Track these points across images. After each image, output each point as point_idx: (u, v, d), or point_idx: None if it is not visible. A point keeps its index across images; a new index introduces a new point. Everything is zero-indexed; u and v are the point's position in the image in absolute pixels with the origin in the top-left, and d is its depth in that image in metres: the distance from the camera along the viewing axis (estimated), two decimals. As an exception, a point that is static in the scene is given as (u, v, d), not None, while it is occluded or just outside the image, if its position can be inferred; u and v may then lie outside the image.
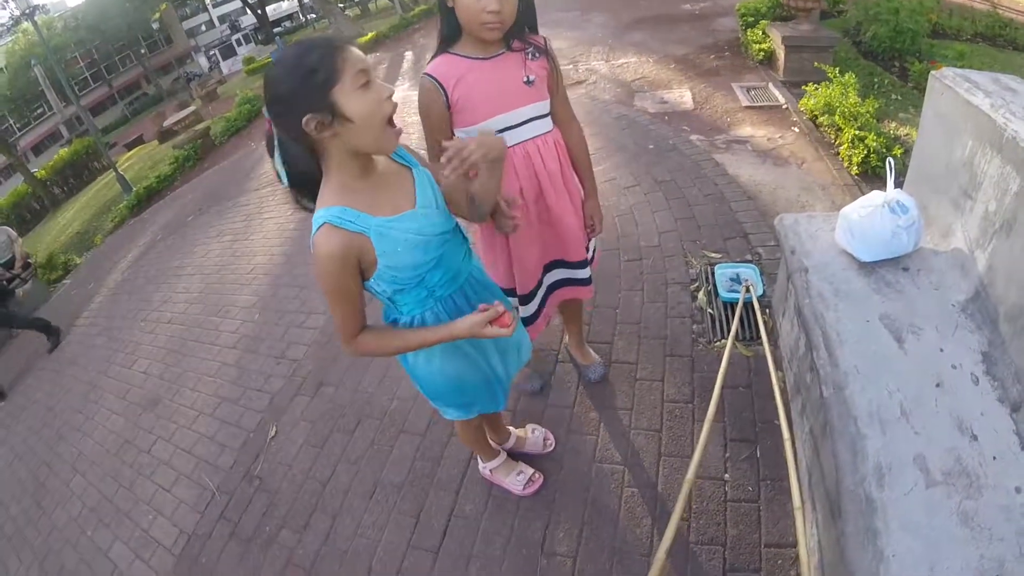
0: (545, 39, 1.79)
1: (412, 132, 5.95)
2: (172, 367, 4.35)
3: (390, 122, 1.22)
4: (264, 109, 1.21)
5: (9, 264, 8.20)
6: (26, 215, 19.57)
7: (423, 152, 1.60)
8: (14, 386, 5.98)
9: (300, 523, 2.57)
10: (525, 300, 2.08)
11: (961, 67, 4.63)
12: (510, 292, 2.07)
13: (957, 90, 1.79)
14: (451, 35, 1.71)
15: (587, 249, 2.12)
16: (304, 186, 1.28)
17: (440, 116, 1.73)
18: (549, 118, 1.87)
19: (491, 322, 1.35)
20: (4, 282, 7.85)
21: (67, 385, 5.16)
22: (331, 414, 3.09)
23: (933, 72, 1.98)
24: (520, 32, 1.71)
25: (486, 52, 1.70)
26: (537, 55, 1.75)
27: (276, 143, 1.22)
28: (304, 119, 1.13)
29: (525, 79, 1.74)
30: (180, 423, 3.69)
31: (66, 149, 23.30)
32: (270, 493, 2.80)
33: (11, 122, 36.94)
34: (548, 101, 1.84)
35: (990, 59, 6.03)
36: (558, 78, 1.86)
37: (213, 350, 4.26)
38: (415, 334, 1.43)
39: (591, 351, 2.68)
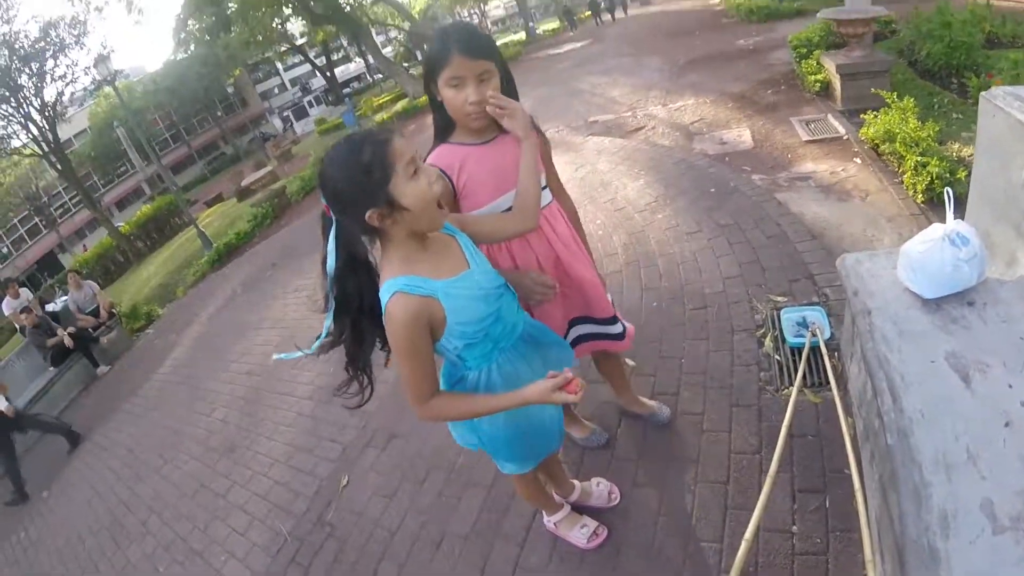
0: (531, 116, 1.85)
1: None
2: (249, 416, 4.55)
3: (439, 203, 1.34)
4: (321, 195, 1.34)
5: (95, 314, 8.80)
6: (110, 267, 20.83)
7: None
8: (96, 427, 6.33)
9: (368, 570, 2.64)
10: (611, 322, 2.13)
11: (1016, 76, 4.49)
12: None
13: (1008, 110, 1.73)
14: (446, 127, 1.80)
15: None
16: (346, 283, 1.39)
17: (448, 205, 1.73)
18: (547, 190, 1.96)
19: (560, 388, 1.40)
20: (90, 330, 8.43)
21: (148, 429, 5.46)
22: (401, 465, 3.17)
23: (983, 93, 1.92)
24: None
25: (481, 137, 1.77)
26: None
27: (334, 226, 1.34)
28: (367, 215, 1.26)
29: None
30: (255, 470, 3.84)
31: (148, 205, 24.77)
32: (340, 540, 2.88)
33: (96, 179, 39.59)
34: (545, 174, 1.91)
35: (1050, 61, 5.78)
36: (548, 150, 1.95)
37: (289, 401, 4.43)
38: (486, 400, 1.51)
39: (645, 400, 2.69)
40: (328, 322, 1.42)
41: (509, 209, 1.76)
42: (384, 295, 1.36)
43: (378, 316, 1.39)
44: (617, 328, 2.16)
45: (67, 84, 21.92)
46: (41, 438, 7.24)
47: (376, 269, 1.42)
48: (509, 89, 1.74)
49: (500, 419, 1.64)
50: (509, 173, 1.76)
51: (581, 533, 2.21)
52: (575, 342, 2.15)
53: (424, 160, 1.70)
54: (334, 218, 1.34)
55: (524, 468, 1.86)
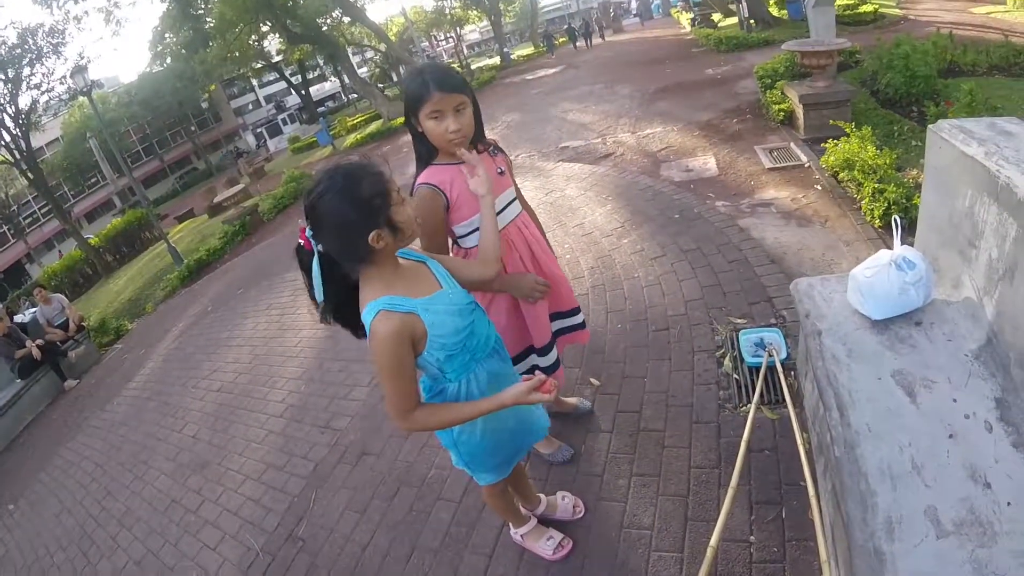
0: (494, 140, 2.18)
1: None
2: (220, 433, 4.53)
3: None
4: (306, 227, 1.44)
5: (64, 327, 8.67)
6: (79, 279, 20.35)
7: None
8: (64, 441, 6.23)
9: (340, 585, 2.66)
10: (546, 351, 2.33)
11: (970, 103, 4.71)
12: (524, 353, 2.36)
13: (953, 142, 1.82)
14: (428, 154, 2.01)
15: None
16: (336, 301, 1.52)
17: (441, 218, 2.00)
18: (516, 201, 2.24)
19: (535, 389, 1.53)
20: (59, 343, 8.30)
21: (117, 444, 5.37)
22: (372, 481, 3.21)
23: (930, 126, 2.03)
24: (480, 138, 2.04)
25: (460, 158, 1.96)
26: (496, 152, 2.16)
27: (318, 258, 1.44)
28: (371, 236, 1.39)
29: (498, 171, 2.11)
30: (227, 486, 3.83)
31: (119, 218, 24.28)
32: (311, 555, 2.91)
33: (66, 189, 38.81)
34: (514, 188, 2.23)
35: (1007, 90, 6.09)
36: (510, 167, 2.26)
37: (260, 418, 4.44)
38: (468, 406, 1.60)
39: (564, 398, 2.99)
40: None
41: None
42: (368, 315, 1.44)
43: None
44: (580, 318, 2.49)
45: (43, 92, 21.62)
46: (8, 449, 7.13)
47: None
48: (477, 119, 1.98)
49: (478, 430, 1.75)
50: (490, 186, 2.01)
51: (547, 545, 2.29)
52: (554, 336, 2.40)
53: (415, 180, 2.00)
54: (316, 250, 1.43)
55: (501, 476, 1.96)
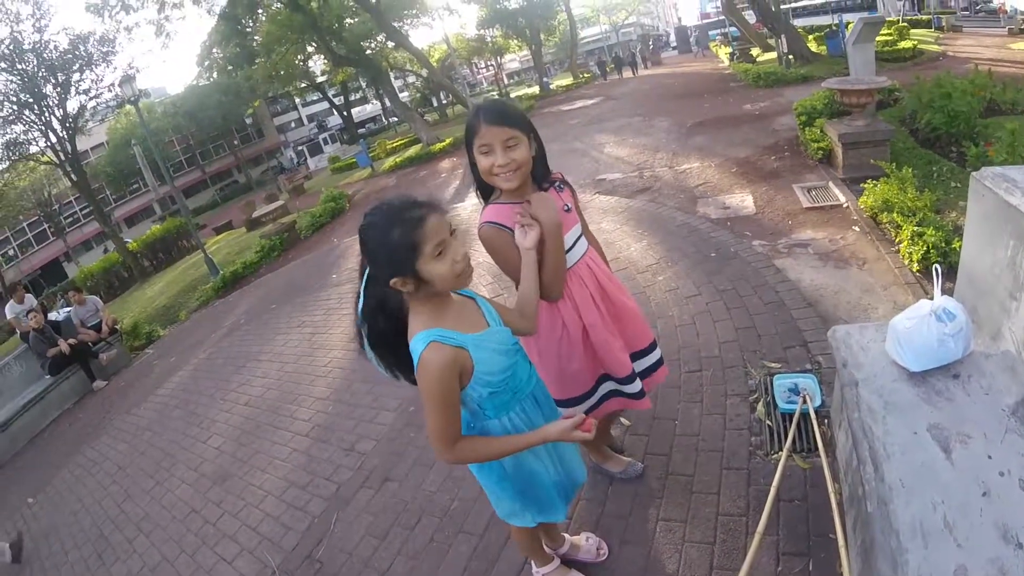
0: (560, 175, 2.10)
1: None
2: (245, 447, 4.56)
3: (462, 274, 1.49)
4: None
5: (97, 328, 8.85)
6: (114, 282, 20.81)
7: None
8: (88, 440, 6.33)
9: (356, 612, 2.64)
10: (628, 380, 2.20)
11: (1011, 144, 4.61)
12: (581, 398, 2.21)
13: (996, 191, 1.80)
14: (489, 189, 1.98)
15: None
16: (379, 328, 1.53)
17: (514, 251, 1.90)
18: (583, 238, 2.15)
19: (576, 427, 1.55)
20: (90, 344, 8.46)
21: (141, 449, 5.44)
22: (394, 508, 3.19)
23: (974, 174, 2.00)
24: (546, 173, 2.00)
25: (524, 195, 1.92)
26: (563, 187, 2.07)
27: (366, 277, 1.49)
28: (391, 281, 1.41)
29: (565, 207, 2.01)
30: (248, 500, 3.84)
31: (158, 225, 24.90)
32: (329, 579, 2.88)
33: (108, 193, 39.97)
34: (581, 223, 2.14)
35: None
36: (578, 201, 2.17)
37: (286, 436, 4.45)
38: (509, 440, 1.61)
39: (614, 454, 2.82)
40: (370, 354, 1.56)
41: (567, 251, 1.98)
42: (418, 345, 1.45)
43: (405, 356, 1.51)
44: (657, 354, 2.36)
45: (91, 98, 22.30)
46: (32, 443, 7.27)
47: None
48: (540, 156, 1.94)
49: (495, 473, 1.76)
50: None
51: (569, 587, 2.24)
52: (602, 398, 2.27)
53: (481, 219, 1.92)
54: (367, 271, 1.48)
55: (528, 522, 1.91)
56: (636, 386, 2.21)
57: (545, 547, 2.31)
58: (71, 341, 8.19)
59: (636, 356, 2.27)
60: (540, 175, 1.97)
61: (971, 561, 1.30)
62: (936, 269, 1.89)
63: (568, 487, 1.91)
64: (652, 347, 2.33)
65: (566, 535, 2.39)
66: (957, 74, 6.57)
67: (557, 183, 2.06)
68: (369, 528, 3.11)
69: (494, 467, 1.74)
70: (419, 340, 1.45)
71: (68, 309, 9.20)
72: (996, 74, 7.60)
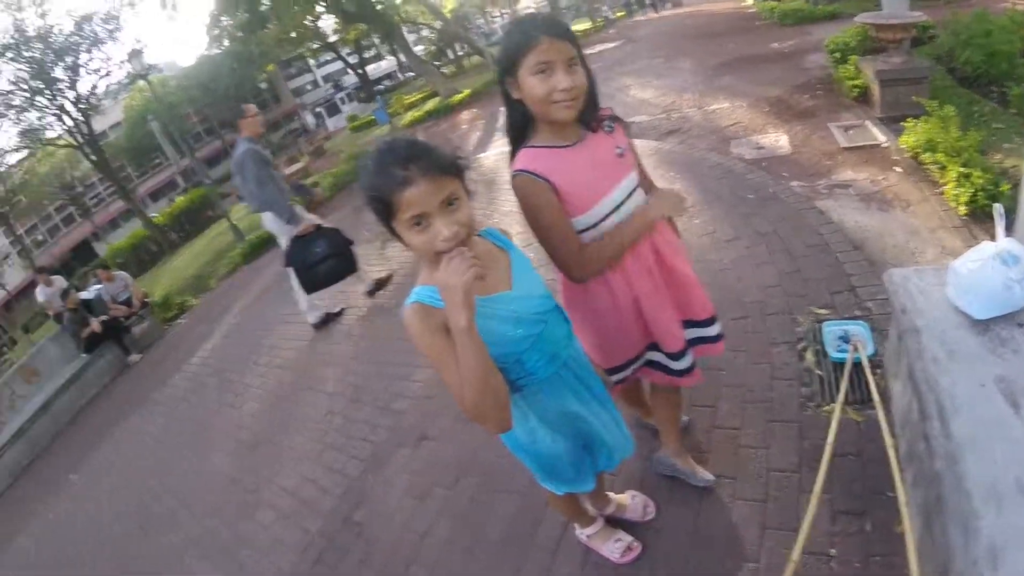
0: (610, 110, 1.74)
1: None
2: (280, 411, 4.59)
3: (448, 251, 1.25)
4: None
5: (127, 303, 9.01)
6: (144, 257, 21.25)
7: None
8: (126, 415, 6.47)
9: (396, 573, 2.64)
10: (678, 356, 1.92)
11: None
12: (625, 365, 1.96)
13: None
14: (523, 127, 1.67)
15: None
16: None
17: (557, 205, 1.61)
18: (639, 189, 1.81)
19: None
20: (122, 319, 8.61)
21: (178, 420, 5.56)
22: (433, 467, 3.16)
23: None
24: (595, 109, 1.67)
25: (568, 138, 1.64)
26: (612, 126, 1.71)
27: None
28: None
29: (617, 150, 1.70)
30: (285, 465, 3.87)
31: (182, 197, 25.20)
32: (368, 541, 2.89)
33: (130, 170, 40.42)
34: (637, 171, 1.80)
35: (1093, 70, 5.57)
36: (632, 143, 1.82)
37: (320, 397, 4.45)
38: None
39: (690, 459, 2.42)
40: None
41: (610, 214, 1.68)
42: (407, 301, 1.33)
43: None
44: (716, 328, 2.02)
45: (101, 77, 22.39)
46: (72, 421, 7.46)
47: None
48: (590, 85, 1.61)
49: (510, 442, 1.66)
50: (607, 172, 1.68)
51: (615, 547, 2.18)
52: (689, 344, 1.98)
53: (513, 166, 1.64)
54: None
55: (577, 488, 1.84)
56: (684, 362, 1.93)
57: (589, 507, 2.25)
58: (102, 318, 8.34)
59: (691, 325, 1.96)
60: (589, 109, 1.64)
61: (1048, 529, 1.20)
62: (998, 209, 1.75)
63: (607, 460, 1.81)
64: (711, 321, 1.99)
65: (611, 494, 2.32)
66: (993, 12, 6.19)
67: (606, 121, 1.70)
68: (408, 488, 3.09)
69: (511, 435, 1.62)
70: (411, 295, 1.33)
71: (98, 287, 9.33)
72: (1035, 13, 7.19)
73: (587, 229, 1.68)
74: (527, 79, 1.50)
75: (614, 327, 1.85)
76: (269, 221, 5.34)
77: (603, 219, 1.68)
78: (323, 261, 5.22)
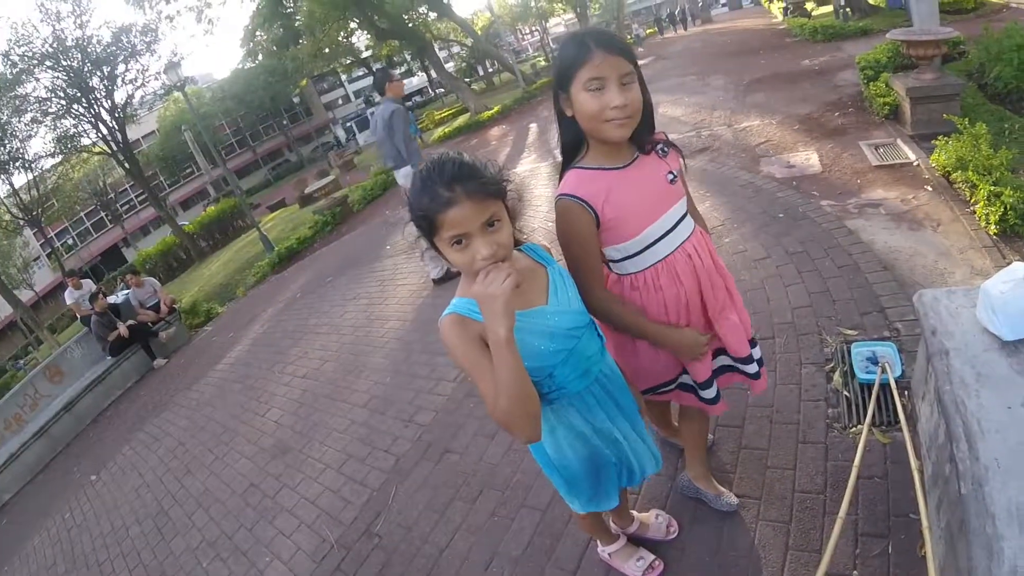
0: (664, 135, 1.71)
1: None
2: (303, 420, 4.61)
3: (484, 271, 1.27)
4: None
5: (155, 308, 9.17)
6: (173, 263, 21.70)
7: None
8: (149, 418, 6.55)
9: (415, 586, 2.62)
10: (705, 386, 1.87)
11: None
12: (658, 387, 1.94)
13: None
14: (574, 145, 1.62)
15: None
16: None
17: (593, 237, 1.59)
18: (687, 216, 1.75)
19: None
20: (149, 324, 8.76)
21: (201, 424, 5.58)
22: (454, 481, 3.15)
23: None
24: (650, 131, 1.63)
25: (621, 160, 1.59)
26: (666, 150, 1.67)
27: None
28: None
29: (669, 176, 1.64)
30: (307, 474, 3.89)
31: (213, 207, 25.66)
32: (387, 552, 2.89)
33: (162, 178, 41.40)
34: (687, 198, 1.75)
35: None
36: (683, 169, 1.76)
37: (344, 408, 4.48)
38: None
39: (716, 482, 2.37)
40: None
41: (657, 241, 1.63)
42: (444, 312, 1.36)
43: None
44: (754, 367, 1.93)
45: (137, 88, 22.93)
46: (95, 422, 7.60)
47: None
48: (646, 104, 1.56)
49: (539, 457, 1.67)
50: (657, 197, 1.63)
51: (637, 566, 2.16)
52: (715, 373, 1.93)
53: (560, 189, 1.60)
54: None
55: (600, 507, 1.81)
56: (710, 392, 1.89)
57: (612, 524, 2.24)
58: (130, 323, 8.51)
59: (727, 355, 1.92)
60: (643, 131, 1.58)
61: (1071, 549, 1.18)
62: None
63: (630, 477, 1.79)
64: (748, 360, 1.91)
65: (634, 512, 2.31)
66: (1022, 24, 6.10)
67: (660, 145, 1.65)
68: (429, 502, 3.09)
69: (539, 448, 1.64)
70: (450, 305, 1.35)
71: (127, 292, 9.53)
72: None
73: (634, 255, 1.66)
74: (579, 95, 1.46)
75: (646, 351, 1.81)
76: (403, 177, 5.72)
77: (650, 245, 1.64)
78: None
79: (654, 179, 1.62)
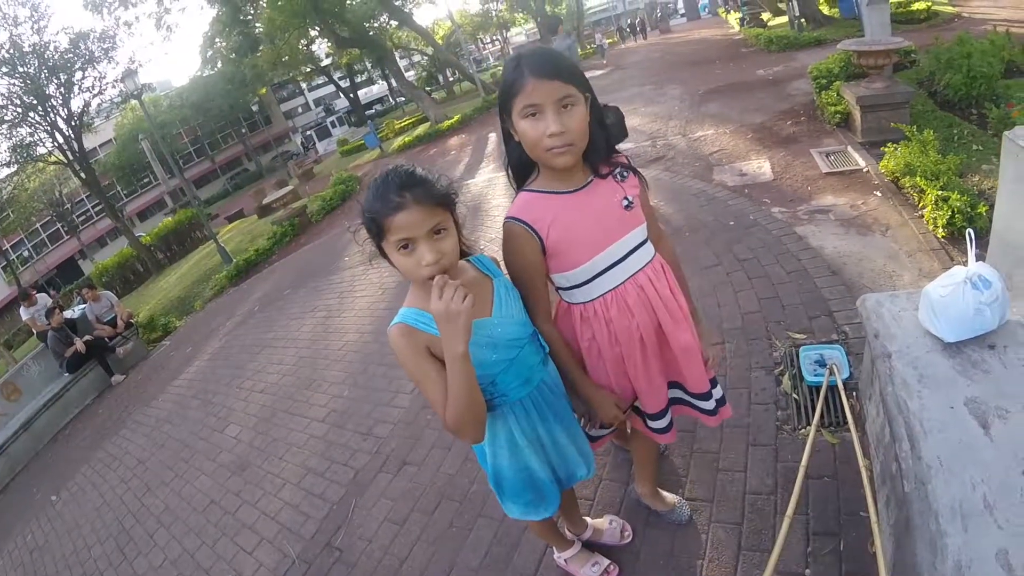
0: (626, 158, 1.65)
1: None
2: (262, 435, 4.54)
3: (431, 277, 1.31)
4: None
5: (112, 323, 8.94)
6: (129, 276, 21.13)
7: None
8: (108, 436, 6.38)
9: (376, 600, 2.60)
10: (657, 417, 1.84)
11: None
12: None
13: None
14: (522, 169, 1.59)
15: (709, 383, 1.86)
16: None
17: (537, 263, 1.55)
18: (649, 242, 1.68)
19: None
20: (106, 339, 8.54)
21: (160, 442, 5.46)
22: (412, 493, 3.14)
23: (1007, 133, 1.90)
24: (607, 153, 1.56)
25: (572, 183, 1.53)
26: (626, 174, 1.60)
27: None
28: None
29: (624, 202, 1.56)
30: (266, 489, 3.83)
31: (170, 218, 25.11)
32: (348, 565, 2.86)
33: (119, 188, 40.38)
34: (646, 224, 1.65)
35: (1070, 91, 5.69)
36: (646, 193, 1.70)
37: (302, 422, 4.43)
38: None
39: (665, 494, 2.36)
40: None
41: (606, 271, 1.58)
42: (392, 322, 1.40)
43: None
44: (708, 404, 1.86)
45: (94, 96, 22.34)
46: (54, 440, 7.36)
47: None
48: (599, 126, 1.51)
49: (506, 464, 1.68)
50: (609, 224, 1.55)
51: (592, 571, 2.18)
52: (670, 402, 1.87)
53: (509, 211, 1.56)
54: None
55: (531, 516, 1.82)
56: (662, 422, 1.85)
57: (567, 531, 2.25)
58: (87, 338, 8.27)
59: (676, 386, 1.86)
60: (597, 153, 1.52)
61: (1013, 544, 1.23)
62: (969, 234, 1.78)
63: (564, 481, 1.82)
64: (705, 396, 1.84)
65: (588, 519, 2.33)
66: (974, 35, 6.34)
67: (619, 170, 1.59)
68: (388, 514, 3.07)
69: (480, 451, 1.70)
70: (397, 315, 1.40)
71: (83, 306, 9.27)
72: (1015, 36, 7.36)
73: (581, 284, 1.61)
74: (519, 122, 1.41)
75: (598, 374, 1.78)
76: None
77: (599, 274, 1.59)
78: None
79: (607, 205, 1.55)
